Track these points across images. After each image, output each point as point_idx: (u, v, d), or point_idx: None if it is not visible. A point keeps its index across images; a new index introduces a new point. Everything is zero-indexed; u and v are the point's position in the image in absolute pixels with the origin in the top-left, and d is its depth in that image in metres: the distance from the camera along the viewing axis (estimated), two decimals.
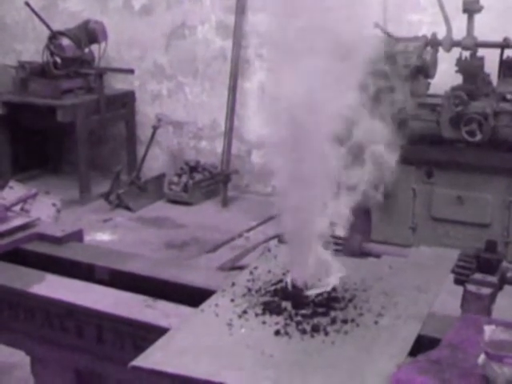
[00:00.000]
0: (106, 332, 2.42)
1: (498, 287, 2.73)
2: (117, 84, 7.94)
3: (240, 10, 6.99)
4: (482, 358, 1.78)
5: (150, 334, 2.21)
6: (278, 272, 2.41)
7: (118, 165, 7.24)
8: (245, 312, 2.18)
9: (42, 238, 3.03)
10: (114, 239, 6.15)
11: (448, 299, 2.60)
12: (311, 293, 2.21)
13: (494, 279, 2.67)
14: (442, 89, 5.34)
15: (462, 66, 5.27)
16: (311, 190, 2.14)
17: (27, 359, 2.75)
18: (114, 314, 2.37)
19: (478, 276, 2.68)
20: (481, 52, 5.33)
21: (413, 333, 2.07)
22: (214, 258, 5.59)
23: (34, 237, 3.04)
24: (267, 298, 2.25)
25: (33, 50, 8.03)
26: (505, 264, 2.85)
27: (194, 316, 2.22)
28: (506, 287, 2.85)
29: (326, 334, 2.05)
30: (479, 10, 5.22)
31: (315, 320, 2.11)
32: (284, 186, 2.16)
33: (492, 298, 2.59)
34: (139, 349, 2.09)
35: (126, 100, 7.74)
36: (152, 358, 1.97)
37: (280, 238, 2.65)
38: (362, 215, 3.81)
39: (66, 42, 7.23)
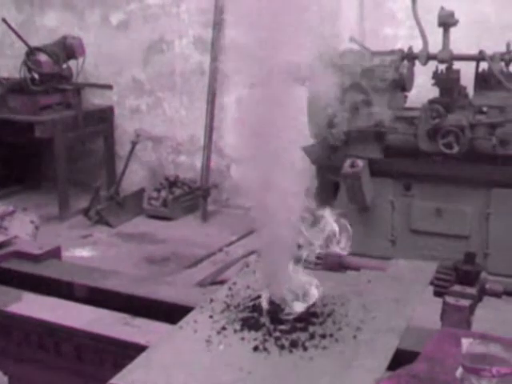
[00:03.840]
0: (85, 350, 2.41)
1: (478, 299, 2.74)
2: (95, 99, 7.93)
3: (217, 24, 7.01)
4: (459, 371, 1.78)
5: (129, 351, 2.20)
6: (257, 287, 2.41)
7: (98, 180, 7.22)
8: (223, 328, 2.17)
9: (20, 255, 3.01)
10: (93, 255, 6.12)
11: (427, 312, 2.60)
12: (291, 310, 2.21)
13: (473, 291, 2.68)
14: (418, 102, 5.38)
15: (439, 79, 5.31)
16: (284, 205, 2.14)
17: (5, 379, 2.72)
18: (93, 332, 2.36)
19: (457, 288, 2.69)
20: (457, 65, 5.37)
21: (391, 347, 2.07)
22: (195, 272, 5.58)
23: (12, 255, 3.02)
24: (246, 314, 2.25)
25: (10, 66, 8.00)
26: (484, 275, 2.86)
27: (172, 333, 2.21)
28: (486, 299, 2.86)
29: (305, 349, 2.05)
30: (454, 23, 5.26)
31: (294, 335, 2.11)
32: (257, 202, 2.17)
33: (471, 309, 2.60)
34: (118, 367, 2.08)
35: (105, 115, 7.73)
36: (131, 376, 1.96)
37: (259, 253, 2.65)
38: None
39: (43, 57, 7.22)
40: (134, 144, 7.15)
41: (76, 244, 6.25)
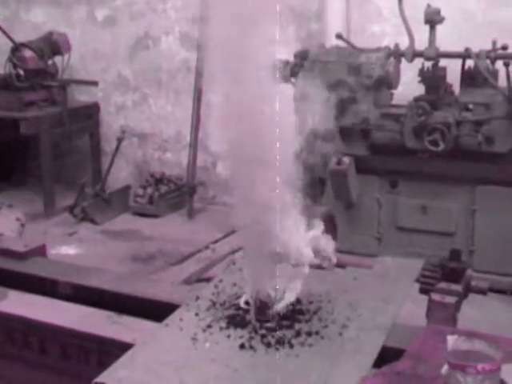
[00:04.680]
0: (70, 348, 2.39)
1: (463, 296, 2.75)
2: (81, 96, 7.89)
3: (204, 21, 6.97)
4: (445, 368, 1.78)
5: (114, 349, 2.19)
6: (243, 285, 2.41)
7: (83, 177, 7.18)
8: (209, 326, 2.17)
9: (5, 253, 3.00)
10: (79, 253, 6.09)
11: (413, 309, 2.61)
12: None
13: (458, 288, 2.69)
14: (405, 99, 5.38)
15: (425, 77, 5.32)
16: (271, 201, 2.14)
17: None
18: (79, 330, 2.35)
19: (442, 285, 2.70)
20: (443, 62, 5.38)
21: (377, 344, 2.07)
22: (181, 270, 5.56)
23: None
24: (232, 312, 2.25)
25: None
26: (469, 272, 2.87)
27: (158, 331, 2.20)
28: (471, 295, 2.87)
29: (291, 346, 2.05)
30: (441, 21, 5.26)
31: (280, 333, 2.11)
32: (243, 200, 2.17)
33: (457, 306, 2.61)
34: (104, 365, 2.07)
35: (90, 112, 7.67)
36: (116, 375, 1.95)
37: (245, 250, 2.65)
38: (328, 225, 3.81)
39: (28, 53, 7.17)
40: (119, 141, 7.11)
41: (61, 241, 6.21)
